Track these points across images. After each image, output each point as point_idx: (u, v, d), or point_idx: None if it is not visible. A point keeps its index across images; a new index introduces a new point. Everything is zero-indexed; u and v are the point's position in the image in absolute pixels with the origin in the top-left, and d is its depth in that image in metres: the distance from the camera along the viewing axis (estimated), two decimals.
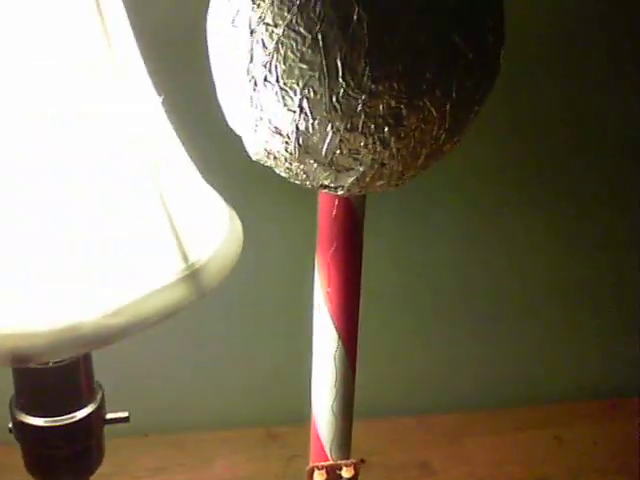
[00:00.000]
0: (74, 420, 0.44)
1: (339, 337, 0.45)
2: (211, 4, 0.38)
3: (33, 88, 0.32)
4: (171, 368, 0.86)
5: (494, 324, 0.90)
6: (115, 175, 0.35)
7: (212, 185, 0.44)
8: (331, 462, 0.46)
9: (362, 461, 0.50)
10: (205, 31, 0.39)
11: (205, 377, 0.88)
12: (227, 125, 0.40)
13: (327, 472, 0.45)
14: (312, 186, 0.40)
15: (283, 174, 0.40)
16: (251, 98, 0.36)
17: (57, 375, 0.42)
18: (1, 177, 0.32)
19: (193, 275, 0.37)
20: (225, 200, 0.44)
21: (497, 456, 0.84)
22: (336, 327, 0.45)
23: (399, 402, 0.90)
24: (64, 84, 0.33)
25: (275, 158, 0.38)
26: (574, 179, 0.83)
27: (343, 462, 0.46)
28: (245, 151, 0.41)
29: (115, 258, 0.35)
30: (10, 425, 0.45)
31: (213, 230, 0.40)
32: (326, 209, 0.43)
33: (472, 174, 0.79)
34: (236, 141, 0.41)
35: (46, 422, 0.43)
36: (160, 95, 0.39)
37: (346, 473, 0.45)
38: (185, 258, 0.37)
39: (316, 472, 0.45)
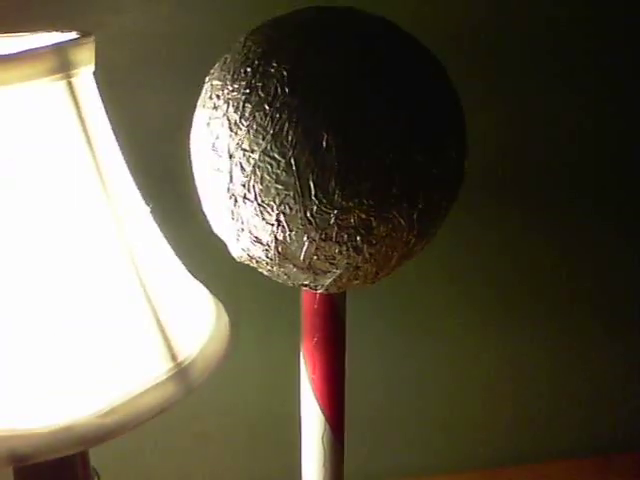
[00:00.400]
0: None
1: (325, 420, 0.48)
2: (193, 128, 0.42)
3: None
4: (158, 456, 0.87)
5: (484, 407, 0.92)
6: (102, 279, 0.38)
7: (200, 281, 0.47)
8: None
9: None
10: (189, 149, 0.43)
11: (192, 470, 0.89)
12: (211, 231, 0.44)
13: None
14: (293, 284, 0.43)
15: (265, 274, 0.44)
16: (232, 212, 0.39)
17: (54, 468, 0.45)
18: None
19: (181, 373, 0.40)
20: (213, 295, 0.47)
21: None
22: (323, 411, 0.48)
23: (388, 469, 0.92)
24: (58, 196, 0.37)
25: (257, 262, 0.42)
26: None
27: None
28: (229, 253, 0.44)
29: (106, 359, 0.38)
30: None
31: (200, 326, 0.44)
32: (308, 303, 0.46)
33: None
34: (221, 243, 0.44)
35: None
36: (148, 205, 0.42)
37: None
38: (173, 357, 0.40)
39: None
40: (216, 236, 0.44)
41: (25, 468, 0.44)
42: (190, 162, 0.42)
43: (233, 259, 0.45)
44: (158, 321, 0.40)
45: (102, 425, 0.37)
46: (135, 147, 0.45)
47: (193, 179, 0.43)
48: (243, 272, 0.49)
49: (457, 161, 0.40)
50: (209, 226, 0.44)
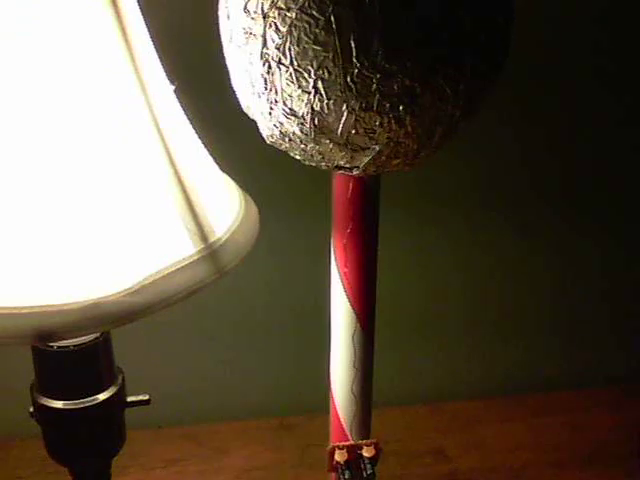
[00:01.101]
0: (95, 403, 0.45)
1: (357, 317, 0.46)
2: None
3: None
4: (185, 360, 0.88)
5: (506, 314, 0.91)
6: (134, 160, 0.36)
7: (227, 172, 0.45)
8: (352, 442, 0.47)
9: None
10: (217, 18, 0.40)
11: (219, 369, 0.90)
12: (241, 111, 0.42)
13: (348, 452, 0.47)
14: (327, 167, 0.41)
15: (298, 157, 0.41)
16: (265, 81, 0.37)
17: (77, 358, 0.44)
18: (30, 168, 0.34)
19: (212, 254, 0.38)
20: (240, 186, 0.46)
21: (514, 443, 0.85)
22: (354, 308, 0.46)
23: (412, 391, 0.92)
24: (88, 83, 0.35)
25: (290, 140, 0.40)
26: None
27: (363, 442, 0.47)
28: (259, 136, 0.42)
29: (136, 237, 0.36)
30: (31, 409, 0.46)
31: (230, 212, 0.42)
32: (341, 191, 0.44)
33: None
34: (250, 128, 0.42)
35: (66, 405, 0.45)
36: (173, 84, 0.40)
37: (367, 452, 0.46)
38: (204, 238, 0.38)
39: (337, 452, 0.46)
40: (244, 118, 0.42)
41: (47, 358, 0.42)
42: (218, 30, 0.40)
43: (261, 146, 0.43)
44: (188, 200, 0.38)
45: (130, 303, 0.36)
46: (161, 26, 0.42)
47: (221, 49, 0.40)
48: (271, 160, 0.47)
49: (504, 29, 0.38)
50: (237, 106, 0.42)
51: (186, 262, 0.37)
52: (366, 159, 0.39)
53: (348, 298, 0.46)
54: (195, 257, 0.38)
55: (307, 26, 0.35)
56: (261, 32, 0.36)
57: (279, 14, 0.35)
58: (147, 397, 0.47)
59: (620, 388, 0.92)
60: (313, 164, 0.41)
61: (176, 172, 0.38)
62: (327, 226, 0.47)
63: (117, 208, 0.36)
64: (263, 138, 0.42)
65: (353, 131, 0.37)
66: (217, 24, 0.40)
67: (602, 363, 0.95)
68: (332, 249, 0.46)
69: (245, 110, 0.41)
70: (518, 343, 0.93)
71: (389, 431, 0.88)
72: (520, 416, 0.90)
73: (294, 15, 0.35)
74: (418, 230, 0.83)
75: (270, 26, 0.36)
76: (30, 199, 0.34)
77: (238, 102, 0.42)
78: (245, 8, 0.36)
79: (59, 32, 0.34)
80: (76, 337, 0.40)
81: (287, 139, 0.40)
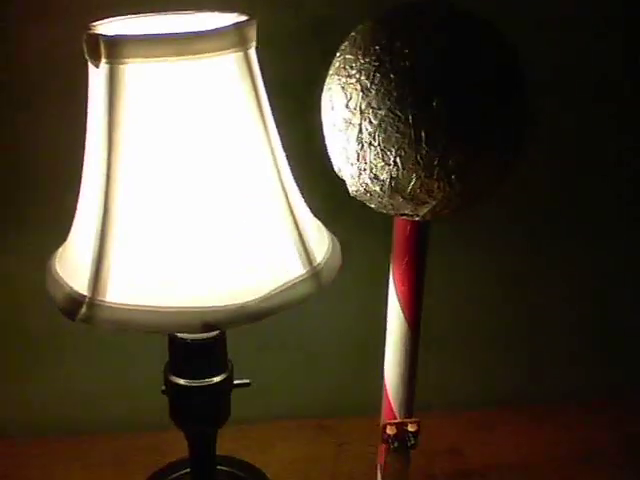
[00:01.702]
0: (210, 383, 0.61)
1: (408, 325, 0.63)
2: (325, 91, 0.56)
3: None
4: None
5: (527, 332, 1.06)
6: (266, 203, 0.53)
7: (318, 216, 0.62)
8: (399, 419, 0.63)
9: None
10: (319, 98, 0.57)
11: (265, 375, 1.04)
12: (330, 171, 0.58)
13: (396, 427, 0.63)
14: (395, 214, 0.58)
15: (373, 206, 0.58)
16: (358, 156, 0.54)
17: (203, 348, 0.60)
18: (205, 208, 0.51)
19: (316, 274, 0.55)
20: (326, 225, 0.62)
21: (527, 449, 1.00)
22: (405, 317, 0.62)
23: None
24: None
25: (370, 195, 0.56)
26: None
27: (409, 419, 0.63)
28: (345, 191, 0.59)
29: (267, 260, 0.53)
30: (163, 387, 0.62)
31: (323, 244, 0.58)
32: (401, 231, 0.61)
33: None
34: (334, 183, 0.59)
35: (188, 382, 0.61)
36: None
37: (411, 428, 0.62)
38: (310, 262, 0.55)
39: (388, 427, 0.62)
40: (331, 176, 0.59)
41: (181, 347, 0.58)
42: (319, 117, 0.57)
43: (345, 198, 0.60)
44: (300, 234, 0.54)
45: (262, 307, 0.52)
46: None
47: (320, 130, 0.57)
48: (351, 207, 0.63)
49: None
50: (328, 167, 0.58)
51: (298, 280, 0.54)
52: (425, 210, 0.56)
53: (402, 309, 0.63)
54: (305, 276, 0.54)
55: (392, 121, 0.52)
56: (358, 122, 0.53)
57: (372, 112, 0.52)
58: (249, 381, 0.63)
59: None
60: (384, 211, 0.58)
61: (292, 212, 0.54)
62: (386, 259, 0.63)
63: (259, 238, 0.52)
64: (349, 193, 0.59)
65: (418, 190, 0.54)
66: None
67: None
68: (391, 273, 0.63)
69: (337, 172, 0.58)
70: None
71: None
72: (530, 421, 1.03)
73: (383, 113, 0.52)
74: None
75: (365, 119, 0.53)
76: (209, 238, 0.51)
77: (329, 165, 0.59)
78: (347, 105, 0.53)
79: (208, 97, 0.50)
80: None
81: (368, 195, 0.57)
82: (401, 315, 0.63)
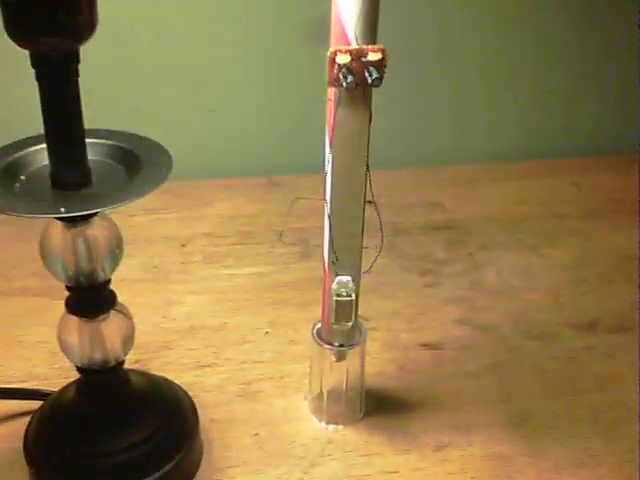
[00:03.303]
0: None
1: None
2: None
3: None
4: (169, 110, 0.84)
5: (511, 75, 0.88)
6: None
7: None
8: (356, 47, 0.43)
9: (369, 202, 0.48)
10: None
11: (204, 122, 0.86)
12: None
13: (351, 56, 0.43)
14: None
15: None
16: None
17: None
18: None
19: None
20: None
21: (514, 198, 0.84)
22: None
23: (411, 154, 0.89)
24: None
25: None
26: None
27: (369, 47, 0.43)
28: None
29: None
30: None
31: None
32: None
33: None
34: None
35: None
36: None
37: (373, 56, 0.43)
38: None
39: (339, 55, 0.43)
40: None
41: None
42: None
43: None
44: None
45: None
46: None
47: None
48: None
49: None
50: None
51: None
52: None
53: None
54: None
55: None
56: None
57: None
58: None
59: (625, 157, 0.90)
60: None
61: None
62: None
63: None
64: None
65: None
66: None
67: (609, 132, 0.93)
68: None
69: None
70: (523, 107, 0.90)
71: (384, 190, 0.86)
72: (524, 176, 0.88)
73: None
74: None
75: None
76: None
77: None
78: None
79: None
80: None
81: None
82: None
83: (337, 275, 0.47)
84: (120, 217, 0.42)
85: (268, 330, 0.64)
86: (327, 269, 0.47)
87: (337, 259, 0.46)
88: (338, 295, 0.46)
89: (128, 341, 0.46)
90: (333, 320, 0.48)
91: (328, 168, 0.45)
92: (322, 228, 0.48)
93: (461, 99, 0.89)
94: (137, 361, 0.59)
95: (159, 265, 0.72)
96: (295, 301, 0.67)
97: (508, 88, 0.89)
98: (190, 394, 0.53)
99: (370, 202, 0.48)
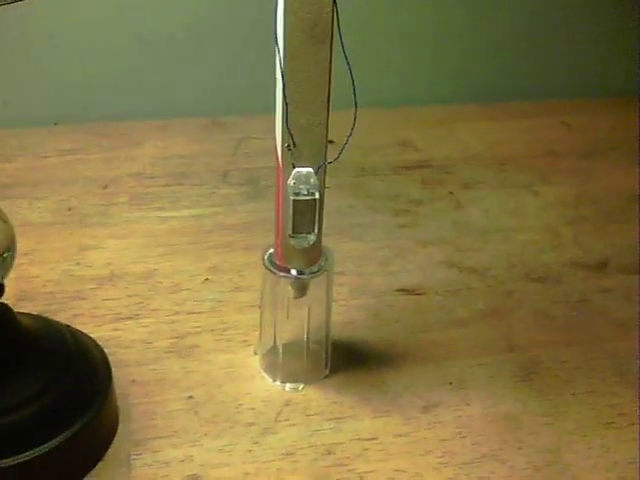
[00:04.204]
0: None
1: None
2: None
3: None
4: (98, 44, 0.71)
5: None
6: None
7: None
8: None
9: (330, 142, 0.36)
10: None
11: (145, 63, 0.74)
12: None
13: None
14: None
15: None
16: None
17: None
18: None
19: None
20: None
21: (498, 138, 0.73)
22: None
23: (380, 94, 0.77)
24: None
25: None
26: None
27: None
28: None
29: None
30: None
31: None
32: None
33: None
34: None
35: None
36: None
37: None
38: None
39: None
40: None
41: None
42: None
43: None
44: None
45: None
46: None
47: None
48: None
49: None
50: None
51: None
52: None
53: None
54: None
55: None
56: None
57: None
58: None
59: (614, 100, 0.80)
60: None
61: None
62: None
63: None
64: None
65: None
66: None
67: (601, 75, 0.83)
68: None
69: None
70: (510, 49, 0.80)
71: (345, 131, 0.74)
72: (508, 117, 0.77)
73: None
74: None
75: None
76: None
77: None
78: None
79: None
80: None
81: None
82: None
83: (294, 167, 0.35)
84: (29, 159, 0.31)
85: (208, 277, 0.51)
86: (280, 159, 0.35)
87: (294, 144, 0.34)
88: (296, 194, 0.34)
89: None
90: (290, 231, 0.35)
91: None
92: (274, 169, 0.36)
93: (434, 32, 0.78)
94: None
95: (75, 207, 0.59)
96: (241, 244, 0.55)
97: (489, 20, 0.79)
98: (105, 351, 0.41)
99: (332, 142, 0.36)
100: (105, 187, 0.62)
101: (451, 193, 0.63)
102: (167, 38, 0.73)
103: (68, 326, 0.41)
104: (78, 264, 0.52)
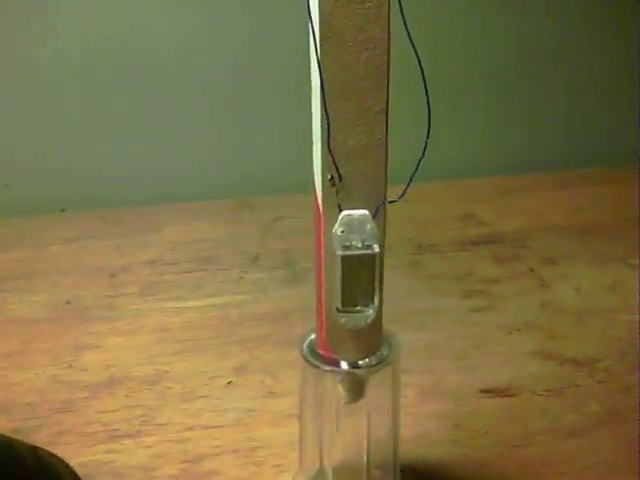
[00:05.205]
0: None
1: None
2: None
3: None
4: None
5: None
6: None
7: None
8: None
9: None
10: None
11: (160, 143, 0.66)
12: None
13: None
14: None
15: None
16: None
17: None
18: None
19: None
20: None
21: (577, 206, 0.62)
22: None
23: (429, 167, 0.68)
24: None
25: None
26: None
27: None
28: None
29: None
30: None
31: None
32: None
33: None
34: None
35: None
36: None
37: None
38: None
39: None
40: None
41: None
42: None
43: None
44: None
45: None
46: None
47: None
48: None
49: None
50: None
51: None
52: None
53: None
54: None
55: None
56: None
57: None
58: None
59: None
60: None
61: None
62: None
63: None
64: None
65: None
66: None
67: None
68: None
69: None
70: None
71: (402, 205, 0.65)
72: (579, 184, 0.67)
73: None
74: None
75: None
76: None
77: None
78: None
79: None
80: None
81: None
82: None
83: (341, 210, 0.24)
84: (28, 249, 0.22)
85: (232, 380, 0.40)
86: (320, 201, 0.25)
87: (340, 176, 0.24)
88: (345, 247, 0.24)
89: None
90: (339, 303, 0.24)
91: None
92: (315, 248, 0.26)
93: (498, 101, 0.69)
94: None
95: (74, 300, 0.49)
96: (275, 337, 0.44)
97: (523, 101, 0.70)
98: None
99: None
100: (112, 276, 0.52)
101: (532, 270, 0.51)
102: (184, 109, 0.65)
103: (36, 448, 0.30)
104: (70, 367, 0.42)
